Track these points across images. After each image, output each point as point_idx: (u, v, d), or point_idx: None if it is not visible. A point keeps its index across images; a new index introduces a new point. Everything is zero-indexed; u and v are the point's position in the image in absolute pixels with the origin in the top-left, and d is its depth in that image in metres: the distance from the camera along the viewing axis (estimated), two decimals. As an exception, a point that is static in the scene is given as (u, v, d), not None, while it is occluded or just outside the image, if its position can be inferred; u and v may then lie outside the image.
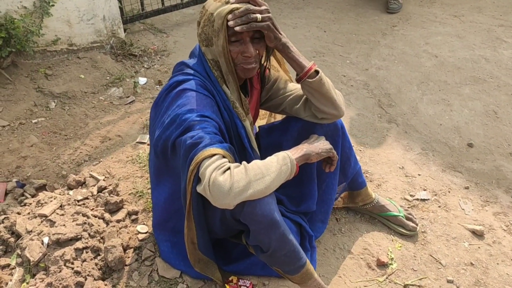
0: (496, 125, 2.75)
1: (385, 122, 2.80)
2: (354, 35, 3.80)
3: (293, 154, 1.53)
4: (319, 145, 1.63)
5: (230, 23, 1.43)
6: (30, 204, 2.06)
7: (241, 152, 1.68)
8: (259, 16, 1.44)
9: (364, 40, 3.72)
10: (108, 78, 3.14)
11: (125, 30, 3.53)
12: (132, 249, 1.91)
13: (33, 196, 2.16)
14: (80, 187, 2.24)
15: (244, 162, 1.43)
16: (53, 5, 2.91)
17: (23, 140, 2.57)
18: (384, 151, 2.56)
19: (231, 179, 1.36)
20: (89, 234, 1.87)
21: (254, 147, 1.71)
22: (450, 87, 3.11)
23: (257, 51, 1.53)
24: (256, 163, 1.44)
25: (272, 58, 1.75)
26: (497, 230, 2.09)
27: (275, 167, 1.44)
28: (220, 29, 1.46)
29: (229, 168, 1.39)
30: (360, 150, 2.55)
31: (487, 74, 3.23)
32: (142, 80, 3.15)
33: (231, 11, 1.43)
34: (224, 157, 1.42)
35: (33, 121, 2.73)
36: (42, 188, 2.24)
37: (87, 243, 1.83)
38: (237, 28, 1.43)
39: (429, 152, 2.55)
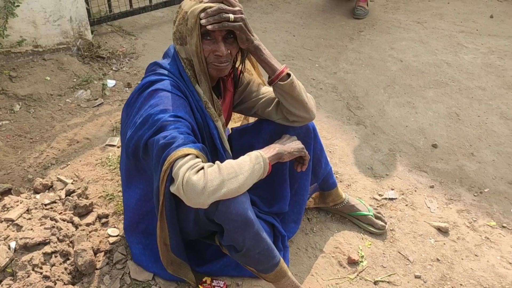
0: (458, 127, 2.86)
1: (353, 124, 2.86)
2: (323, 39, 3.87)
3: (265, 153, 1.54)
4: (291, 145, 1.66)
5: (203, 21, 1.44)
6: (-5, 208, 2.00)
7: (213, 153, 1.68)
8: (231, 16, 1.46)
9: (332, 44, 3.80)
10: (75, 80, 3.07)
11: (92, 32, 3.47)
12: (103, 253, 1.88)
13: (-3, 200, 2.09)
14: (47, 191, 2.19)
15: (217, 162, 1.44)
16: (18, 6, 2.83)
17: (-14, 144, 2.48)
18: (353, 152, 2.61)
19: (205, 178, 1.36)
20: (57, 238, 1.82)
21: (226, 148, 1.72)
22: (414, 90, 3.21)
23: (229, 51, 1.54)
24: (229, 162, 1.45)
25: (247, 61, 1.76)
26: (461, 226, 2.17)
27: (248, 166, 1.45)
28: (194, 28, 1.46)
29: (202, 168, 1.39)
30: (330, 152, 2.60)
31: (449, 78, 3.36)
32: (110, 83, 3.10)
33: (204, 10, 1.44)
34: (197, 157, 1.42)
35: (-3, 124, 2.64)
36: (7, 192, 2.18)
37: (55, 247, 1.79)
38: (209, 27, 1.44)
39: (396, 153, 2.63)
